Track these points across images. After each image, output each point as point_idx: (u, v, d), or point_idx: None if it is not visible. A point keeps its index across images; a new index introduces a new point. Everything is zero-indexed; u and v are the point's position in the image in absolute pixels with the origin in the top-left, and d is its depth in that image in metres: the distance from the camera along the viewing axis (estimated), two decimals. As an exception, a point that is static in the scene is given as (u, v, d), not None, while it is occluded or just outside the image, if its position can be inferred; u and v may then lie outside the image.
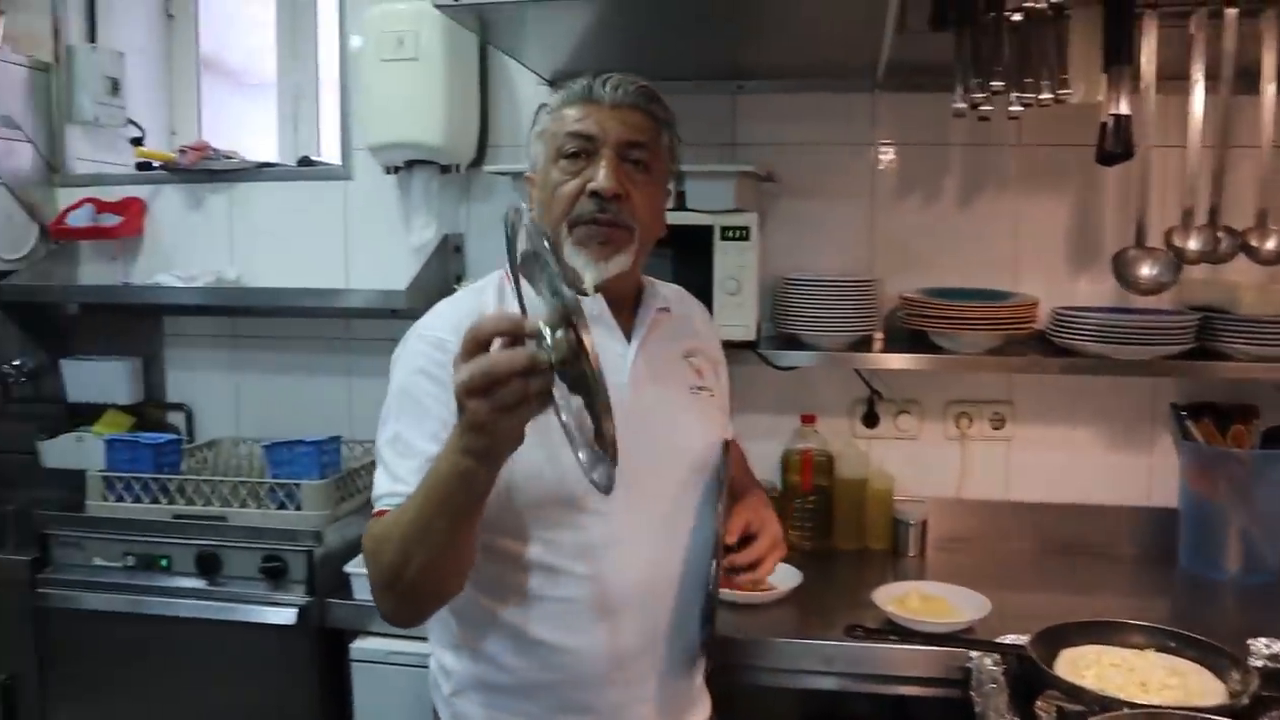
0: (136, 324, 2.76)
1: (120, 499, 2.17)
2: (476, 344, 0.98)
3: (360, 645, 1.98)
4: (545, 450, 1.22)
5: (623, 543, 1.33)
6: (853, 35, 1.88)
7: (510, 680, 1.35)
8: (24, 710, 2.27)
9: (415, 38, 2.25)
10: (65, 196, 2.74)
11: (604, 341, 1.35)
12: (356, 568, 2.01)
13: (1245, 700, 1.41)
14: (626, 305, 1.45)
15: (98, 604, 2.10)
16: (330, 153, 2.81)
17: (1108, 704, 1.38)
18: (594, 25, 1.92)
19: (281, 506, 2.11)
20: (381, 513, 1.26)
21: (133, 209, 2.69)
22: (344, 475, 2.23)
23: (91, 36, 2.80)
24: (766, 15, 1.84)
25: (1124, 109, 1.71)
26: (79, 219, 2.67)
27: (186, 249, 2.70)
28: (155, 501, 2.15)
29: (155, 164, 2.72)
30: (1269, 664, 1.59)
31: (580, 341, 0.95)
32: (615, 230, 1.34)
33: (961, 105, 1.77)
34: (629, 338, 1.43)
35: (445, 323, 1.34)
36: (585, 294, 1.33)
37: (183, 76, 3.05)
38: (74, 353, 2.78)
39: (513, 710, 1.36)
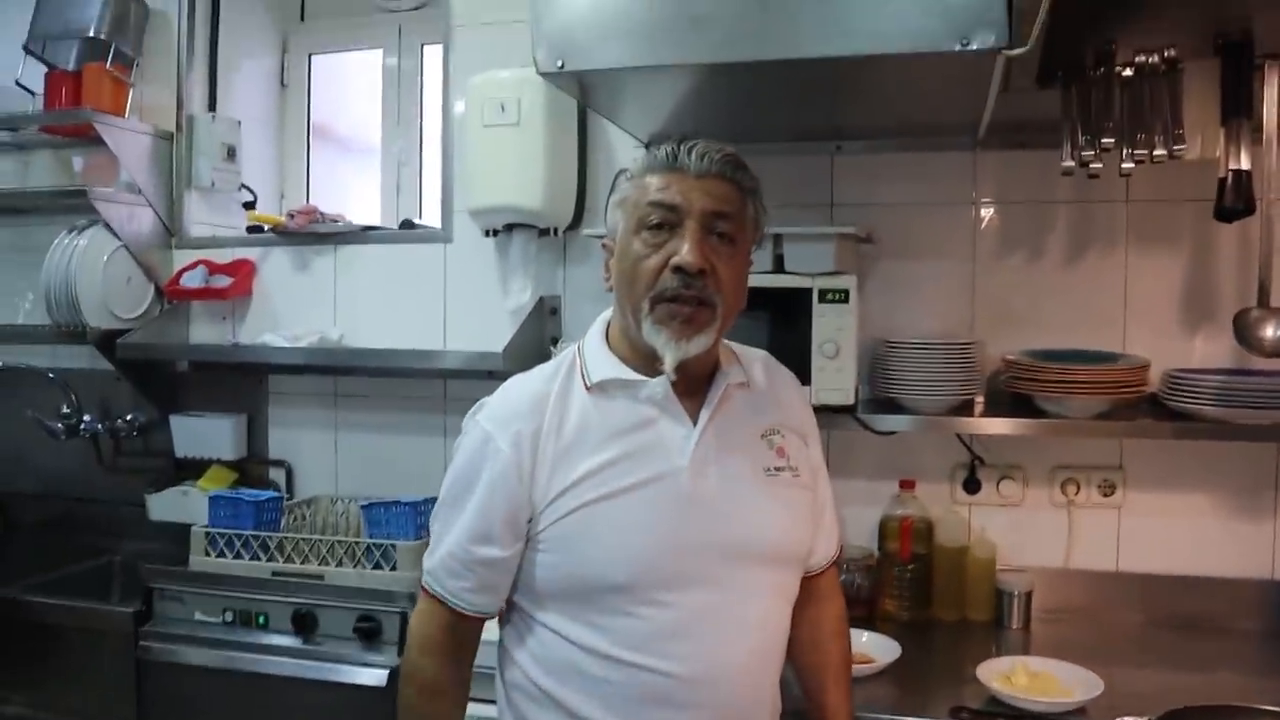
0: (242, 382, 2.85)
1: (222, 555, 2.22)
2: None
3: (453, 707, 1.97)
4: (614, 536, 1.27)
5: (684, 635, 1.29)
6: (955, 96, 1.86)
7: None
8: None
9: (517, 104, 2.30)
10: (180, 258, 2.86)
11: (668, 427, 1.35)
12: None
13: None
14: (700, 382, 1.40)
15: (196, 659, 2.15)
16: (431, 216, 2.88)
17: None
18: (692, 91, 1.93)
19: (377, 566, 2.14)
20: (434, 597, 1.37)
21: (243, 270, 2.79)
22: (439, 534, 2.24)
23: (212, 105, 2.93)
24: (867, 81, 1.83)
25: (1244, 164, 1.65)
26: (193, 280, 2.77)
27: (292, 309, 2.79)
28: (255, 558, 2.20)
29: (266, 227, 2.81)
30: None
31: None
32: (700, 309, 1.30)
33: (1070, 164, 1.74)
34: (696, 418, 1.38)
35: (500, 413, 1.36)
36: (652, 376, 1.33)
37: (293, 143, 3.18)
38: (182, 409, 2.88)
39: None
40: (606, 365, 1.37)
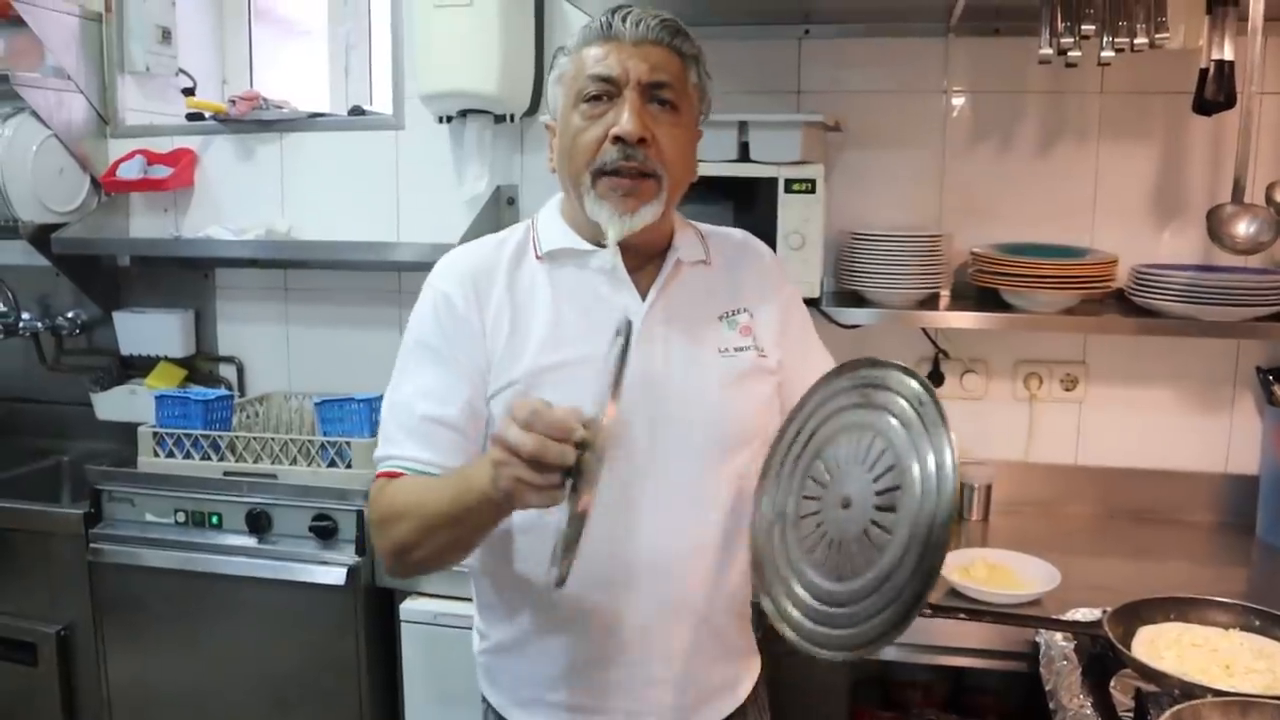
0: (188, 277, 2.76)
1: (171, 455, 2.17)
2: (541, 422, 1.00)
3: (410, 606, 1.98)
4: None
5: (619, 510, 1.26)
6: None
7: (533, 643, 1.32)
8: (81, 660, 2.31)
9: (469, -17, 2.18)
10: (116, 148, 2.72)
11: (616, 300, 1.30)
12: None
13: (1345, 688, 1.33)
14: (654, 258, 1.35)
15: (149, 560, 2.13)
16: (382, 102, 2.76)
17: (1190, 689, 1.30)
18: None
19: (332, 464, 2.10)
20: (387, 474, 1.26)
21: (184, 160, 2.67)
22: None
23: (140, -18, 2.75)
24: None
25: (1228, 54, 1.59)
26: (130, 170, 2.65)
27: (237, 200, 2.69)
28: (206, 458, 2.16)
29: (206, 115, 2.68)
30: (1362, 643, 1.50)
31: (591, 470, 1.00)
32: (642, 180, 1.25)
33: (1048, 51, 1.68)
34: (646, 294, 1.33)
35: (454, 274, 1.32)
36: (603, 247, 1.28)
37: (233, 25, 3.01)
38: (125, 305, 2.79)
39: (534, 674, 1.33)
40: (559, 235, 1.34)
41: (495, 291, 1.30)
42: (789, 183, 1.98)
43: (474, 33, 2.23)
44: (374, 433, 2.16)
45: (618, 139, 1.23)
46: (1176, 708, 1.21)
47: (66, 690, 2.34)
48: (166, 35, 2.75)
